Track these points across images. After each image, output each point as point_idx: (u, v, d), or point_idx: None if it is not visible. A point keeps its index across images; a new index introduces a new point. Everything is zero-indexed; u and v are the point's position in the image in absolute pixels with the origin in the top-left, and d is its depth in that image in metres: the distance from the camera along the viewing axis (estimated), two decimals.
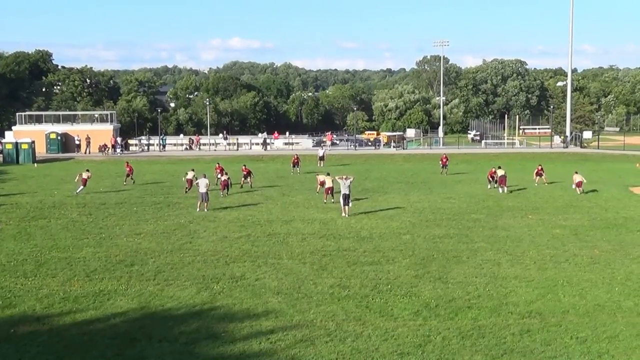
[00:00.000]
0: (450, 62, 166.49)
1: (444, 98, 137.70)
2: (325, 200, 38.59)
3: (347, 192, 33.99)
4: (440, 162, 56.83)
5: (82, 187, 42.38)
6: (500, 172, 44.21)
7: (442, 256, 25.37)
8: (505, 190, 42.97)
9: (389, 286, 21.22)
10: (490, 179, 46.15)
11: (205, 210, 35.56)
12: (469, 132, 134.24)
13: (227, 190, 42.30)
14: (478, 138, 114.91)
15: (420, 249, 26.68)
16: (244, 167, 47.78)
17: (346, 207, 33.96)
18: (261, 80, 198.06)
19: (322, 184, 41.10)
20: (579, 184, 42.86)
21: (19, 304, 19.44)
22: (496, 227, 31.23)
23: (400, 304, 19.48)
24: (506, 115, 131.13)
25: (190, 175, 43.38)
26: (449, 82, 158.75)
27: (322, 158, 62.93)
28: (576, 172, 44.40)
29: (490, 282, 21.79)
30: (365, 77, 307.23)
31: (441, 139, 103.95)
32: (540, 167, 49.23)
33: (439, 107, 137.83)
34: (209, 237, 29.06)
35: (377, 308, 19.10)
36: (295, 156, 58.59)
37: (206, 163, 64.26)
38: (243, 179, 46.17)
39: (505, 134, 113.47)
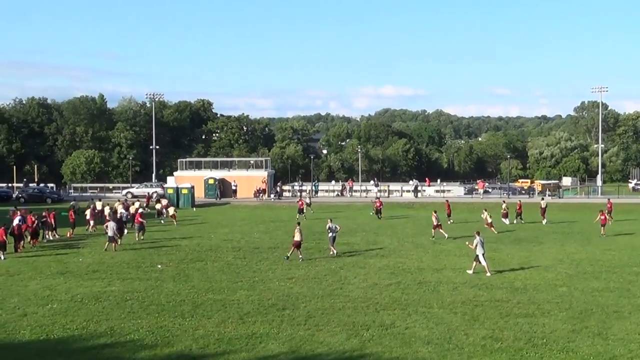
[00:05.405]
0: (609, 108, 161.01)
1: (602, 145, 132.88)
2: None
3: (483, 252, 31.27)
4: None
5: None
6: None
7: (601, 310, 24.20)
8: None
9: (544, 340, 20.43)
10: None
11: (334, 253, 36.55)
12: (629, 180, 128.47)
13: None
14: None
15: (577, 302, 25.58)
16: (378, 201, 58.76)
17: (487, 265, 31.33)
18: (413, 127, 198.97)
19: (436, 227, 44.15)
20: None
21: (176, 343, 20.15)
22: None
23: (556, 359, 18.69)
24: None
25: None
26: (607, 129, 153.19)
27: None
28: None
29: None
30: (518, 124, 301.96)
31: (599, 187, 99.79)
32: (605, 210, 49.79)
33: (597, 155, 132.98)
34: (359, 283, 29.12)
35: None
36: (379, 201, 59.52)
37: (357, 209, 64.84)
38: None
39: None
